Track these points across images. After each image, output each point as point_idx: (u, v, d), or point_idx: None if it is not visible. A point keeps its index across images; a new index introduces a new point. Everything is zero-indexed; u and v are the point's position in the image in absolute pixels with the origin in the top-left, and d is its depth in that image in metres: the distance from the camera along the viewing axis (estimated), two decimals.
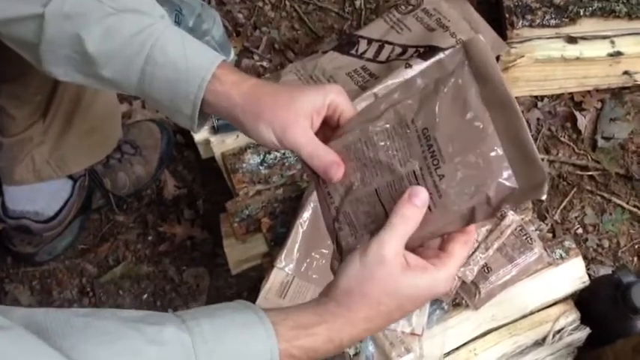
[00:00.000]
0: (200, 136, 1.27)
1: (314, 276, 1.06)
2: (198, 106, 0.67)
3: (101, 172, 1.26)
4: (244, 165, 1.20)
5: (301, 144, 0.64)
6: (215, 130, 1.26)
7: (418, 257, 0.58)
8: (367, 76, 1.24)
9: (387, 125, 0.61)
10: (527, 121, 1.41)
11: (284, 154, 1.21)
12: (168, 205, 1.35)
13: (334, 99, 0.65)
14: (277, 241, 1.11)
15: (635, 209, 1.32)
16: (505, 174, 0.56)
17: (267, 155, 1.21)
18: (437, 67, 0.60)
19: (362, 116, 0.65)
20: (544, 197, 0.55)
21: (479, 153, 0.57)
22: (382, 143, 0.61)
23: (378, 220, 0.60)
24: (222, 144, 1.25)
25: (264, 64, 1.46)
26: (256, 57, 1.47)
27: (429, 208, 0.58)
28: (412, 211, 0.57)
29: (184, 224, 1.33)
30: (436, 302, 1.05)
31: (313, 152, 0.64)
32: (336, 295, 0.58)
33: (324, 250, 1.07)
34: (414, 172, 0.59)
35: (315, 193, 1.08)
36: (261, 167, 1.20)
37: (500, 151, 0.56)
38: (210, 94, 0.67)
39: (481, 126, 0.57)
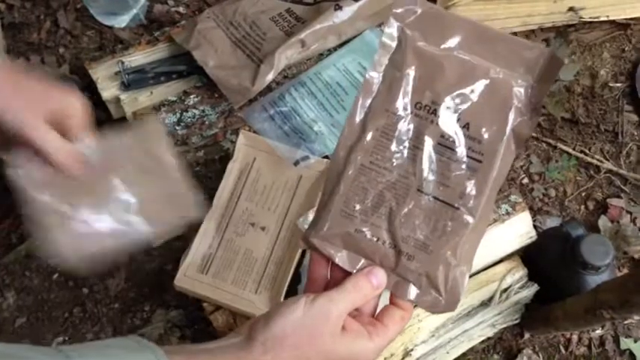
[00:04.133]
0: (109, 93, 1.13)
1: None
2: None
3: None
4: None
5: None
6: (126, 86, 1.12)
7: (355, 321, 0.55)
8: (293, 21, 1.12)
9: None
10: None
11: (203, 111, 1.08)
12: None
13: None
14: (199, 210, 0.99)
15: (581, 155, 1.26)
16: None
17: (185, 114, 1.08)
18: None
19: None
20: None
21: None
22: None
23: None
24: (135, 102, 1.12)
25: (180, 9, 1.31)
26: (171, 1, 1.31)
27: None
28: (366, 286, 0.55)
29: None
30: None
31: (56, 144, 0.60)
32: (265, 339, 0.52)
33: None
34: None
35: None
36: (177, 127, 1.08)
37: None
38: None
39: None
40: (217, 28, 1.12)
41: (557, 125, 1.28)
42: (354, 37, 1.13)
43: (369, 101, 0.57)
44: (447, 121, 0.56)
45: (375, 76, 0.57)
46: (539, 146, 1.27)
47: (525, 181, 1.24)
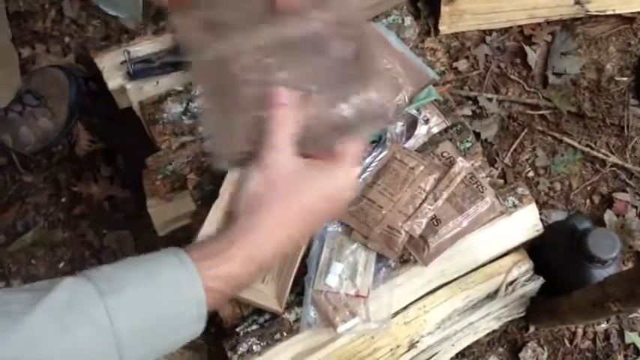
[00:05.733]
0: (115, 83, 1.13)
1: None
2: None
3: None
4: (165, 115, 1.07)
5: None
6: (131, 76, 1.11)
7: (311, 160, 0.57)
8: None
9: None
10: (475, 58, 1.31)
11: None
12: (83, 162, 1.21)
13: None
14: (205, 200, 0.99)
15: (587, 149, 1.26)
16: None
17: (191, 103, 1.08)
18: None
19: None
20: None
21: None
22: None
23: None
24: (140, 92, 1.11)
25: None
26: None
27: None
28: (281, 111, 0.55)
29: (102, 183, 1.19)
30: (382, 260, 0.96)
31: None
32: (239, 211, 0.53)
33: None
34: None
35: None
36: (184, 117, 1.07)
37: None
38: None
39: None
40: None
41: (563, 119, 1.28)
42: None
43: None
44: None
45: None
46: (545, 140, 1.27)
47: (531, 174, 1.24)
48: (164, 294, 0.48)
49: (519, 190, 1.03)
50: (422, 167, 0.98)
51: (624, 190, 1.23)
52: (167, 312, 0.48)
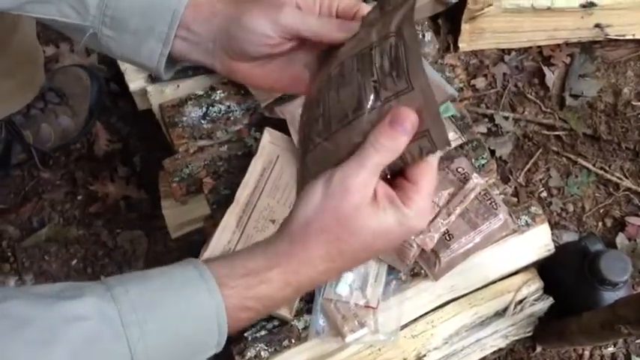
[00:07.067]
0: (136, 84, 1.14)
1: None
2: (179, 17, 0.58)
3: (21, 123, 1.12)
4: (184, 118, 1.08)
5: (302, 17, 0.56)
6: (152, 78, 1.13)
7: (387, 187, 0.49)
8: None
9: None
10: (494, 77, 1.32)
11: (229, 106, 1.09)
12: (101, 162, 1.22)
13: None
14: (220, 204, 1.00)
15: (601, 171, 1.26)
16: None
17: (211, 108, 1.09)
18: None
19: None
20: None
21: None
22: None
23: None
24: (161, 94, 1.12)
25: None
26: None
27: None
28: (391, 140, 0.47)
29: (118, 183, 1.20)
30: (393, 272, 0.97)
31: (318, 21, 0.56)
32: (290, 231, 0.49)
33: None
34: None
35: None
36: (203, 121, 1.08)
37: None
38: (190, 7, 0.59)
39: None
40: None
41: (578, 141, 1.28)
42: None
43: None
44: None
45: None
46: (560, 161, 1.27)
47: (544, 194, 1.25)
48: (188, 324, 0.47)
49: (532, 209, 1.03)
50: (436, 182, 0.98)
51: (637, 215, 1.23)
52: (188, 347, 0.48)
